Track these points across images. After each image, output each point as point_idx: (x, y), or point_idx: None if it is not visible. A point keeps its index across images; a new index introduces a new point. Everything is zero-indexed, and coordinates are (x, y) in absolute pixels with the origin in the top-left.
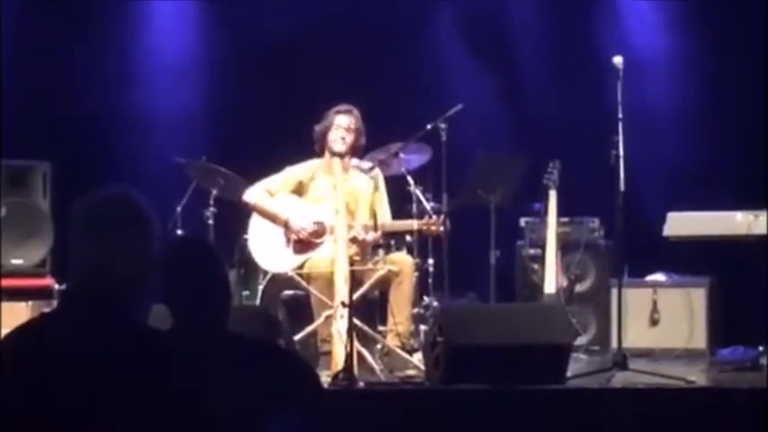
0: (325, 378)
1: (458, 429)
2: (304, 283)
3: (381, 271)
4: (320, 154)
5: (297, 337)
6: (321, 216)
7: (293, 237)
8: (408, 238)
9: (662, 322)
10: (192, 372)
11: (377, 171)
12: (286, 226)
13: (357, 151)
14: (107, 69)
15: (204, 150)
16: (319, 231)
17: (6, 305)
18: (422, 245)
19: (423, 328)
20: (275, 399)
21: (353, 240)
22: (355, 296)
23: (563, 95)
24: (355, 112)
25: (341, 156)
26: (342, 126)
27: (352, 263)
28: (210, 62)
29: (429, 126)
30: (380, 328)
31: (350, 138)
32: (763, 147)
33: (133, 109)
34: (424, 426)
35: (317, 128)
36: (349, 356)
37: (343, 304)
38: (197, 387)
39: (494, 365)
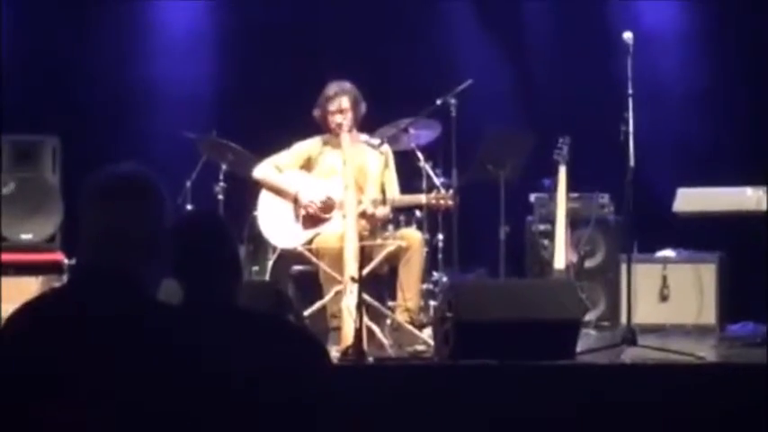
0: (334, 353)
1: (467, 405)
2: (313, 259)
3: (391, 246)
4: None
5: (306, 313)
6: (330, 191)
7: (302, 212)
8: (418, 213)
9: (671, 298)
10: (203, 347)
11: (386, 147)
12: (295, 201)
13: (358, 122)
14: (118, 43)
15: (214, 125)
16: (328, 206)
17: (16, 280)
18: (431, 220)
19: (432, 303)
20: (285, 375)
21: (363, 215)
22: (365, 271)
23: (573, 71)
24: (346, 88)
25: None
26: (335, 111)
27: (361, 238)
28: (222, 36)
29: (439, 101)
30: (390, 303)
31: (347, 118)
32: None
33: (143, 83)
34: (433, 401)
35: (315, 113)
36: (358, 332)
37: (353, 279)
38: (207, 362)
39: (503, 341)
